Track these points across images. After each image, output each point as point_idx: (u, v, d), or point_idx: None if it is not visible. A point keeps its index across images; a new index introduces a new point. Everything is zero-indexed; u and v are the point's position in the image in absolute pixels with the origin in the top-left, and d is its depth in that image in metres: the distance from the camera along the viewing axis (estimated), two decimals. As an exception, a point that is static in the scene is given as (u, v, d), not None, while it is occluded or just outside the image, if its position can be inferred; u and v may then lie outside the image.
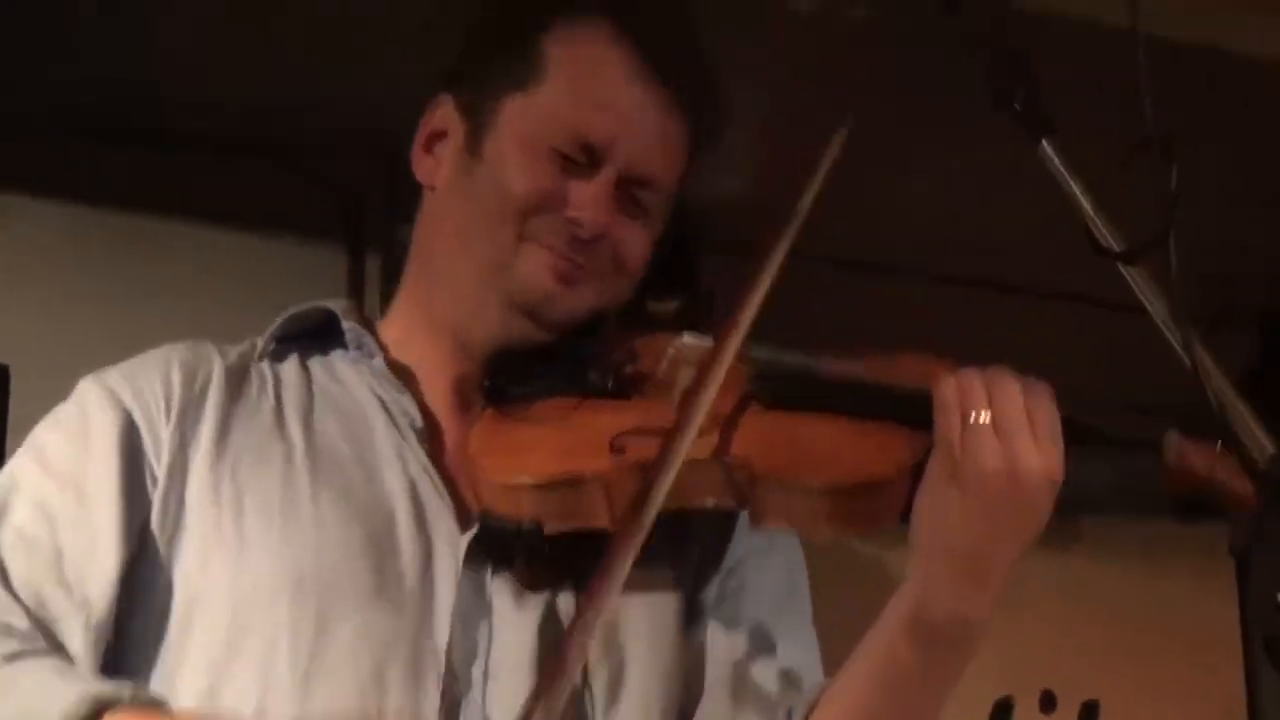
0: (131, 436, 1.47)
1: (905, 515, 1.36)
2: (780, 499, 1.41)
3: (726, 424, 1.44)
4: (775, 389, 1.47)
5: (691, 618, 1.53)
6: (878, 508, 1.38)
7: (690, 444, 1.39)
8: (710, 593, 1.55)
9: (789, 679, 1.50)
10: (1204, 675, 4.45)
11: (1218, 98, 2.75)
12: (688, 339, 1.52)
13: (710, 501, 1.45)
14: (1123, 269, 1.24)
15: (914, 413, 1.36)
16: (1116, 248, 1.23)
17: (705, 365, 1.44)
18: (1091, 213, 1.24)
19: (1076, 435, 1.35)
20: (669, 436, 1.39)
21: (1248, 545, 1.21)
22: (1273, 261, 3.26)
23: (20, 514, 1.43)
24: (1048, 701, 1.76)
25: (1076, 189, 1.24)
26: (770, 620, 1.54)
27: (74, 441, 1.48)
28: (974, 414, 1.32)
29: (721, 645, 1.52)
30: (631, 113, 1.55)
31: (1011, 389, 1.33)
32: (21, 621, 1.37)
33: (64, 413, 1.52)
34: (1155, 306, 1.22)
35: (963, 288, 3.54)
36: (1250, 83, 2.79)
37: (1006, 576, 1.34)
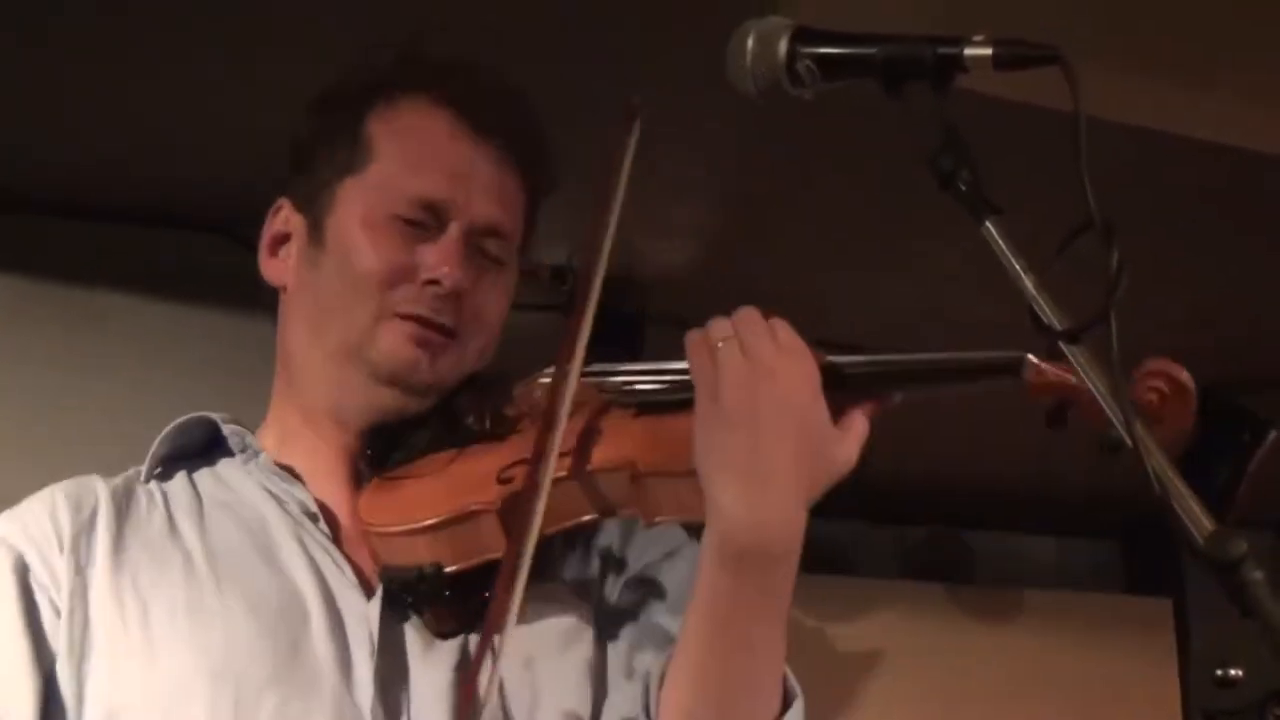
0: (25, 576, 1.47)
1: None
2: (668, 490, 1.42)
3: (597, 437, 1.47)
4: (634, 398, 1.50)
5: (599, 629, 1.55)
6: None
7: (556, 458, 1.42)
8: (613, 599, 1.57)
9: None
10: (1146, 751, 4.46)
11: (1157, 178, 2.79)
12: (550, 369, 1.53)
13: (596, 513, 1.47)
14: (1064, 348, 1.25)
15: None
16: (1058, 326, 1.24)
17: (554, 379, 1.47)
18: (1034, 292, 1.25)
19: (931, 369, 1.41)
20: (534, 453, 1.42)
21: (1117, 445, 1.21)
22: (1213, 340, 3.30)
23: None
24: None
25: (1019, 269, 1.26)
26: (670, 614, 1.54)
27: None
28: (720, 340, 1.36)
29: (622, 647, 1.54)
30: (464, 166, 1.59)
31: (750, 313, 1.38)
32: None
33: None
34: (1097, 385, 1.23)
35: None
36: (1189, 163, 2.83)
37: (801, 488, 1.35)
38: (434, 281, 1.55)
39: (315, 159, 1.62)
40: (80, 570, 1.48)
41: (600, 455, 1.46)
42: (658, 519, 1.45)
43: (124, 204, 3.13)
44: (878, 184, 2.71)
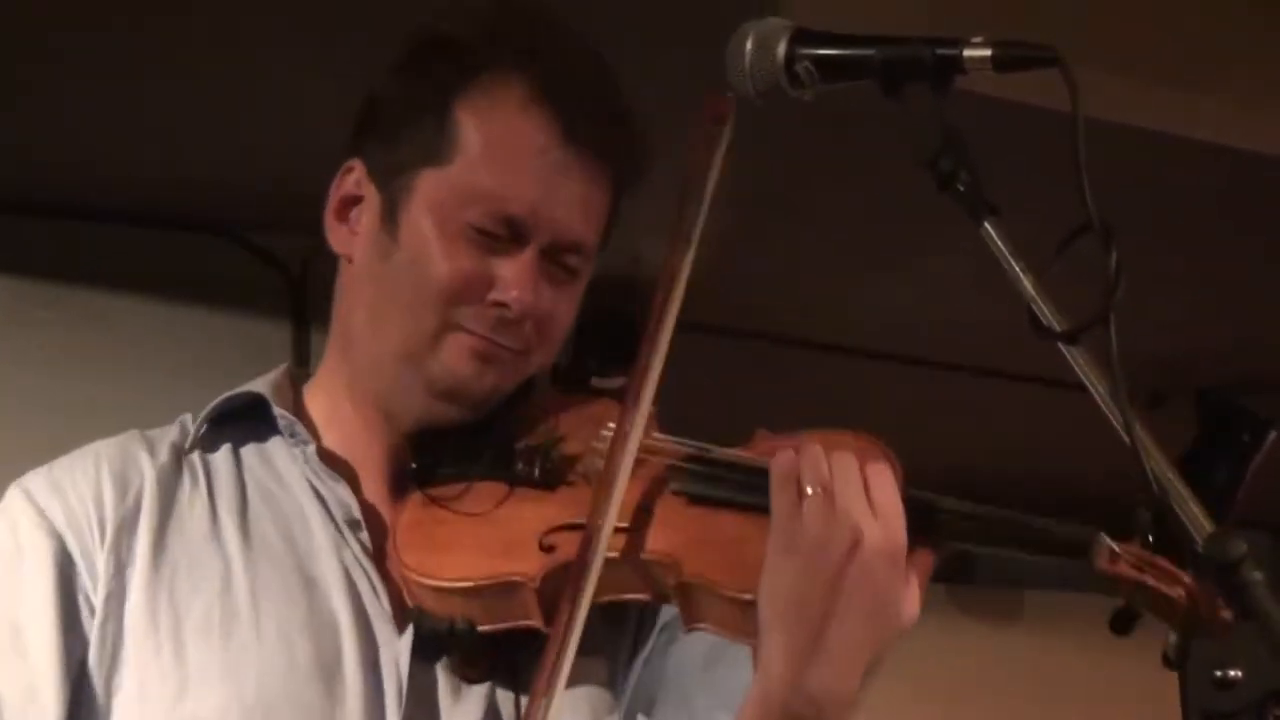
0: (66, 569, 1.44)
1: None
2: (711, 604, 1.38)
3: (649, 519, 1.42)
4: (696, 485, 1.44)
5: (629, 690, 1.52)
6: None
7: (607, 541, 1.37)
8: (645, 650, 1.53)
9: None
10: (1146, 752, 4.46)
11: (1158, 179, 2.79)
12: (611, 426, 1.47)
13: (644, 595, 1.44)
14: (1064, 349, 1.24)
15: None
16: (1057, 328, 1.24)
17: (611, 455, 1.41)
18: (1033, 293, 1.25)
19: (1000, 533, 1.36)
20: (586, 535, 1.37)
21: (1184, 657, 1.21)
22: (1213, 341, 3.30)
23: None
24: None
25: (1018, 270, 1.25)
26: (695, 676, 1.51)
27: (8, 574, 1.45)
28: (810, 486, 1.31)
29: (642, 707, 1.51)
30: (551, 180, 1.50)
31: (848, 460, 1.33)
32: None
33: None
34: (1096, 386, 1.23)
35: (907, 366, 3.57)
36: (1189, 164, 2.83)
37: (862, 661, 1.31)
38: (503, 304, 1.49)
39: (397, 131, 1.54)
40: (120, 570, 1.45)
41: (650, 543, 1.41)
42: (699, 627, 1.41)
43: (126, 206, 3.13)
44: (877, 186, 2.71)
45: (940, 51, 1.29)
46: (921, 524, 1.34)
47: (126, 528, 1.47)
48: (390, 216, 1.53)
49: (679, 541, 1.40)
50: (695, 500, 1.44)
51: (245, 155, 2.75)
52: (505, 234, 1.50)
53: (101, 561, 1.45)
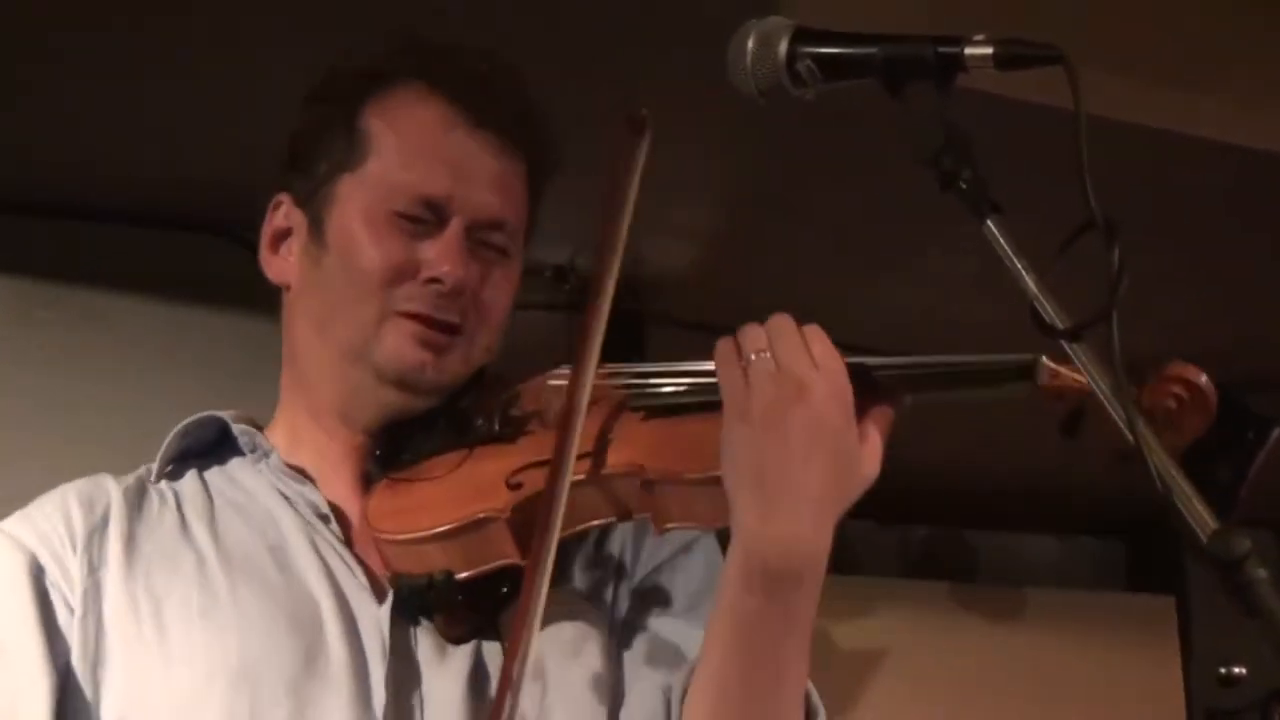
0: (39, 577, 1.47)
1: None
2: (679, 497, 1.41)
3: (610, 440, 1.46)
4: (649, 399, 1.48)
5: (611, 634, 1.54)
6: None
7: (573, 464, 1.40)
8: (625, 605, 1.56)
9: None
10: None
11: (1161, 177, 2.79)
12: (561, 370, 1.51)
13: (612, 516, 1.46)
14: (1067, 346, 1.24)
15: None
16: (1060, 325, 1.24)
17: (570, 386, 1.44)
18: (1036, 291, 1.25)
19: (945, 373, 1.39)
20: (553, 460, 1.40)
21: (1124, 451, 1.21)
22: (1217, 339, 3.29)
23: None
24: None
25: (1021, 267, 1.25)
26: (686, 619, 1.53)
27: None
28: (753, 354, 1.35)
29: (637, 657, 1.52)
30: (462, 159, 1.56)
31: (784, 322, 1.36)
32: None
33: None
34: (1099, 383, 1.22)
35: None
36: (1193, 162, 2.83)
37: (827, 505, 1.33)
38: (436, 280, 1.53)
39: (313, 154, 1.60)
40: (93, 570, 1.47)
41: (612, 459, 1.45)
42: (668, 526, 1.44)
43: (126, 206, 3.13)
44: (878, 186, 2.71)
45: (942, 50, 1.29)
46: (866, 381, 1.38)
47: (96, 534, 1.50)
48: (317, 228, 1.59)
49: (640, 450, 1.44)
50: (651, 414, 1.48)
51: (245, 155, 2.75)
52: (428, 217, 1.55)
53: (75, 565, 1.47)
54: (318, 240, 1.58)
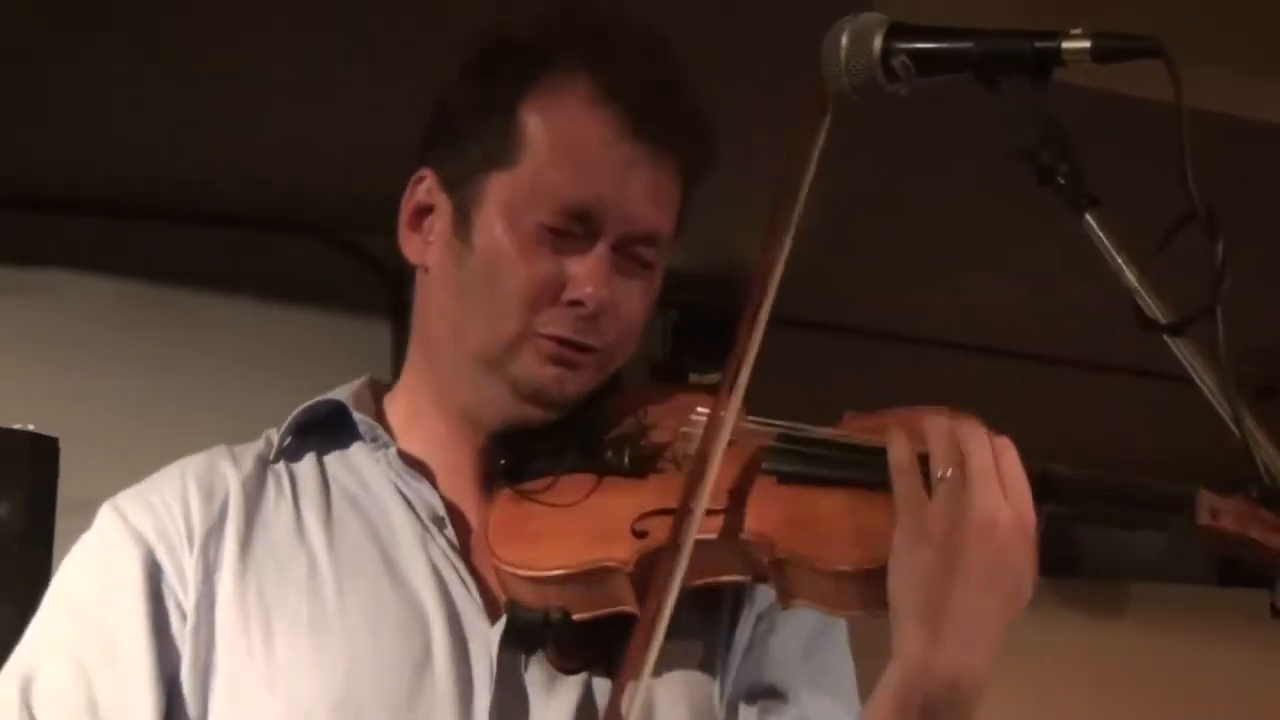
0: (156, 577, 1.46)
1: None
2: (808, 581, 1.39)
3: (742, 500, 1.43)
4: (789, 464, 1.44)
5: (723, 677, 1.51)
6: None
7: (701, 520, 1.37)
8: (742, 636, 1.53)
9: None
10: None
11: (1263, 169, 2.75)
12: (700, 411, 1.48)
13: (735, 578, 1.44)
14: (1170, 341, 1.23)
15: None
16: (1163, 320, 1.23)
17: (704, 439, 1.41)
18: (1137, 285, 1.24)
19: (1105, 494, 1.35)
20: (678, 517, 1.37)
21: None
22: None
23: (53, 670, 1.43)
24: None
25: (1121, 262, 1.24)
26: (796, 666, 1.51)
27: (100, 586, 1.47)
28: (939, 470, 1.31)
29: (744, 697, 1.50)
30: (619, 172, 1.50)
31: (979, 440, 1.32)
32: None
33: (88, 551, 1.51)
34: (1203, 378, 1.21)
35: (1011, 360, 3.54)
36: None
37: (997, 637, 1.31)
38: (578, 302, 1.49)
39: (465, 137, 1.54)
40: (209, 576, 1.47)
41: (743, 523, 1.41)
42: (795, 603, 1.41)
43: (222, 208, 3.17)
44: (967, 183, 2.69)
45: (1039, 44, 1.28)
46: (1036, 491, 1.33)
47: (214, 534, 1.49)
48: (463, 223, 1.53)
49: (771, 520, 1.40)
50: (786, 479, 1.44)
51: (338, 159, 2.79)
52: (577, 230, 1.49)
53: (190, 567, 1.47)
54: (462, 236, 1.53)
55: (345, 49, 2.58)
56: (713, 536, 1.40)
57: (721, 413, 1.40)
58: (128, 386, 3.16)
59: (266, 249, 3.24)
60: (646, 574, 1.39)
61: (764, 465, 1.45)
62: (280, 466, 1.56)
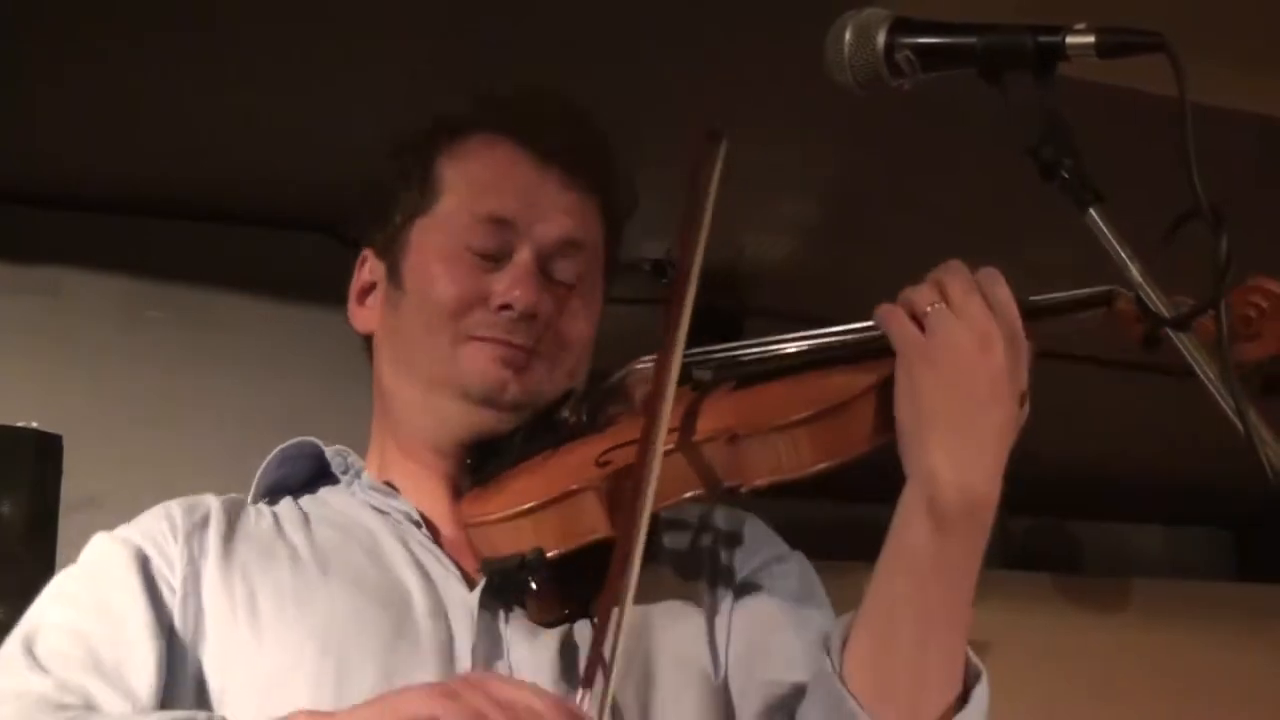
0: (145, 563, 1.52)
1: (875, 440, 1.39)
2: (763, 451, 1.42)
3: (699, 412, 1.47)
4: (737, 370, 1.50)
5: (715, 612, 1.55)
6: (854, 427, 1.40)
7: (663, 435, 1.42)
8: (726, 598, 1.57)
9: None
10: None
11: (1267, 163, 2.75)
12: (644, 359, 1.53)
13: (700, 488, 1.46)
14: (1173, 335, 1.24)
15: (869, 344, 1.41)
16: (1167, 314, 1.23)
17: (657, 366, 1.47)
18: (1141, 280, 1.24)
19: (1036, 308, 1.40)
20: (644, 435, 1.42)
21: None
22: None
23: (51, 635, 1.47)
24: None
25: (1125, 256, 1.25)
26: (793, 604, 1.55)
27: (92, 579, 1.53)
28: (924, 307, 1.37)
29: (763, 616, 1.54)
30: (531, 188, 1.60)
31: (960, 271, 1.38)
32: (76, 701, 1.41)
33: (77, 563, 1.57)
34: (1207, 372, 1.21)
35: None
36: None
37: (1004, 450, 1.35)
38: (506, 306, 1.56)
39: (391, 206, 1.65)
40: (193, 560, 1.53)
41: (700, 426, 1.46)
42: (757, 483, 1.44)
43: (233, 206, 3.18)
44: (979, 179, 2.70)
45: (1042, 39, 1.28)
46: (1025, 311, 1.38)
47: (197, 530, 1.56)
48: (394, 275, 1.64)
49: (728, 415, 1.45)
50: (741, 383, 1.49)
51: (350, 155, 2.79)
52: (498, 248, 1.58)
53: (176, 553, 1.53)
54: (396, 285, 1.63)
55: (360, 46, 2.59)
56: (672, 446, 1.44)
57: (672, 342, 1.45)
58: (132, 384, 3.17)
59: (275, 246, 3.24)
60: (615, 494, 1.43)
61: (717, 382, 1.50)
62: (261, 504, 1.64)
